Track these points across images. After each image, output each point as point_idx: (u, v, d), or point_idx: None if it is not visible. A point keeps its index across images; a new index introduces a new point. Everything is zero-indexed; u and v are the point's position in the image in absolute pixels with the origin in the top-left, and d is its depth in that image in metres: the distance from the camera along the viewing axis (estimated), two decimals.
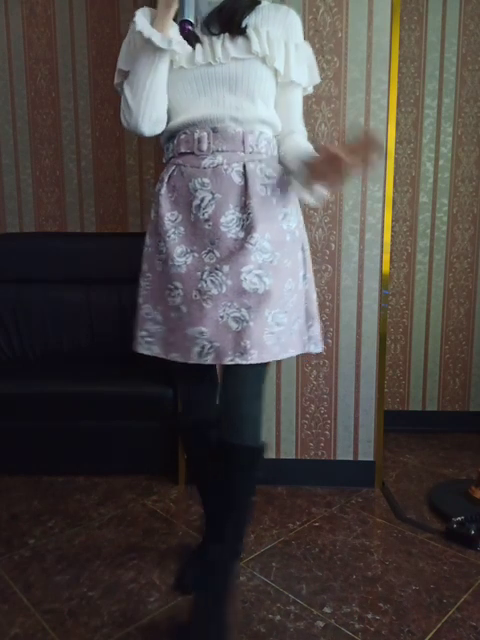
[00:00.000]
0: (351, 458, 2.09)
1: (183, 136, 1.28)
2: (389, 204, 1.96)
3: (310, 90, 1.40)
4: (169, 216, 1.28)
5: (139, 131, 1.30)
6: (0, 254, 2.54)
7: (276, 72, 1.28)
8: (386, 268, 1.99)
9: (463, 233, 2.58)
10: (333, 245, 1.99)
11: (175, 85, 1.26)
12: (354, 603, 1.46)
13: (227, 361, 1.19)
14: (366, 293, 2.01)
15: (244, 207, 1.23)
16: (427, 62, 2.49)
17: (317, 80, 1.37)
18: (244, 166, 1.25)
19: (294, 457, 2.10)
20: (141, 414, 2.13)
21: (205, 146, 1.25)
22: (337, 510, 1.95)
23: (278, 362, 2.05)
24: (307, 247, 1.36)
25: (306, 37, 1.86)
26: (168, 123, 1.30)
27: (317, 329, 1.38)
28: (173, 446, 2.12)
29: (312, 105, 1.92)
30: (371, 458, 2.08)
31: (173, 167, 1.30)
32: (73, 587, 1.53)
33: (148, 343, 1.33)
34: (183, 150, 1.27)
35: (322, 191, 1.21)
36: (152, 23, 1.21)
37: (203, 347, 1.20)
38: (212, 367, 1.40)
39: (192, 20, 1.16)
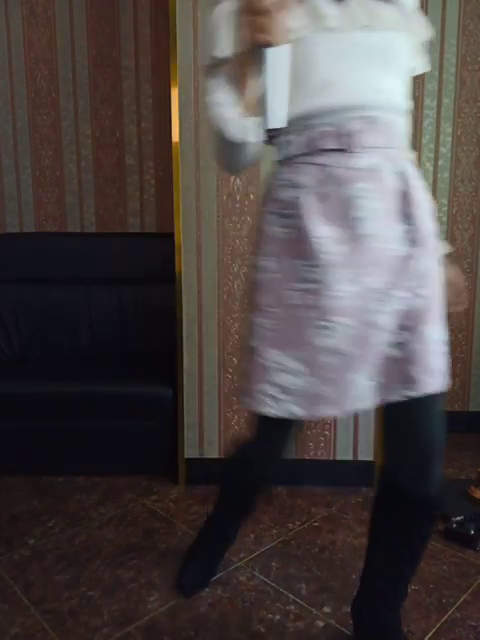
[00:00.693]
0: (351, 458, 2.09)
1: (325, 127, 0.98)
2: None
3: None
4: (321, 232, 0.98)
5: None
6: (0, 254, 2.54)
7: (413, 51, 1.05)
8: None
9: (462, 233, 2.59)
10: None
11: (312, 52, 0.96)
12: None
13: (396, 398, 1.01)
14: None
15: (408, 217, 1.00)
16: None
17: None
18: (401, 166, 1.01)
19: (294, 457, 2.10)
20: (141, 414, 2.13)
21: (359, 141, 0.97)
22: (337, 510, 1.95)
23: None
24: None
25: None
26: (292, 105, 0.96)
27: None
28: (173, 446, 2.12)
29: None
30: (371, 458, 2.08)
31: (312, 168, 1.00)
32: (73, 587, 1.54)
33: (280, 402, 1.03)
34: (327, 145, 0.98)
35: None
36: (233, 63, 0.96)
37: (364, 389, 1.01)
38: None
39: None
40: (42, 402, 2.12)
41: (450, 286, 1.13)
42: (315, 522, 1.88)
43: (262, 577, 1.58)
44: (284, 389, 1.02)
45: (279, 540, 1.77)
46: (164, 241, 2.26)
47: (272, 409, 1.03)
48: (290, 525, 1.86)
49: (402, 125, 1.03)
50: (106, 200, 2.71)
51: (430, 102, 2.51)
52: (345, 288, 0.98)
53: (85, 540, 1.76)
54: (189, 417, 2.09)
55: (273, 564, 1.64)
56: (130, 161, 2.68)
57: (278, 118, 0.94)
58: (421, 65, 1.11)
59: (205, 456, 2.11)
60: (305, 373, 1.01)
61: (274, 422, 1.07)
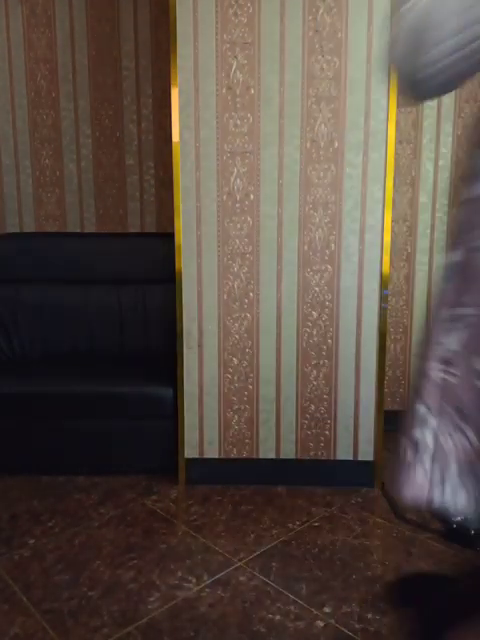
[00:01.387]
0: (351, 458, 2.09)
1: None
2: (389, 204, 1.96)
3: None
4: None
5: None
6: (0, 254, 2.54)
7: None
8: (386, 268, 1.99)
9: None
10: (333, 245, 1.99)
11: None
12: (354, 603, 1.46)
13: None
14: (366, 293, 2.01)
15: None
16: None
17: None
18: None
19: (294, 457, 2.10)
20: (141, 414, 2.13)
21: None
22: (337, 510, 1.95)
23: (278, 362, 2.06)
24: None
25: (306, 37, 1.87)
26: None
27: None
28: (173, 446, 2.12)
29: (312, 105, 1.92)
30: (371, 458, 2.08)
31: None
32: (73, 587, 1.53)
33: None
34: None
35: None
36: None
37: None
38: None
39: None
40: (42, 402, 2.12)
41: None
42: (315, 522, 1.88)
43: (262, 577, 1.58)
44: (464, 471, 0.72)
45: (279, 540, 1.77)
46: (164, 241, 2.26)
47: (442, 502, 0.73)
48: (290, 525, 1.86)
49: None
50: (106, 200, 2.71)
51: (430, 102, 2.51)
52: None
53: (85, 540, 1.76)
54: (189, 417, 2.09)
55: (273, 564, 1.64)
56: (130, 161, 2.68)
57: None
58: None
59: (205, 456, 2.11)
60: None
61: None
